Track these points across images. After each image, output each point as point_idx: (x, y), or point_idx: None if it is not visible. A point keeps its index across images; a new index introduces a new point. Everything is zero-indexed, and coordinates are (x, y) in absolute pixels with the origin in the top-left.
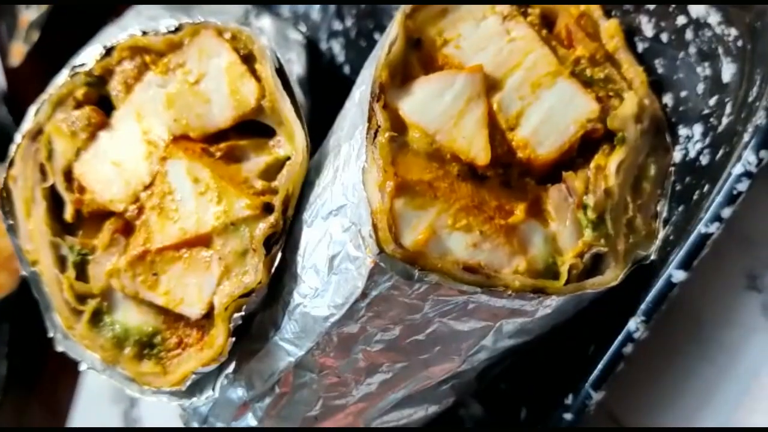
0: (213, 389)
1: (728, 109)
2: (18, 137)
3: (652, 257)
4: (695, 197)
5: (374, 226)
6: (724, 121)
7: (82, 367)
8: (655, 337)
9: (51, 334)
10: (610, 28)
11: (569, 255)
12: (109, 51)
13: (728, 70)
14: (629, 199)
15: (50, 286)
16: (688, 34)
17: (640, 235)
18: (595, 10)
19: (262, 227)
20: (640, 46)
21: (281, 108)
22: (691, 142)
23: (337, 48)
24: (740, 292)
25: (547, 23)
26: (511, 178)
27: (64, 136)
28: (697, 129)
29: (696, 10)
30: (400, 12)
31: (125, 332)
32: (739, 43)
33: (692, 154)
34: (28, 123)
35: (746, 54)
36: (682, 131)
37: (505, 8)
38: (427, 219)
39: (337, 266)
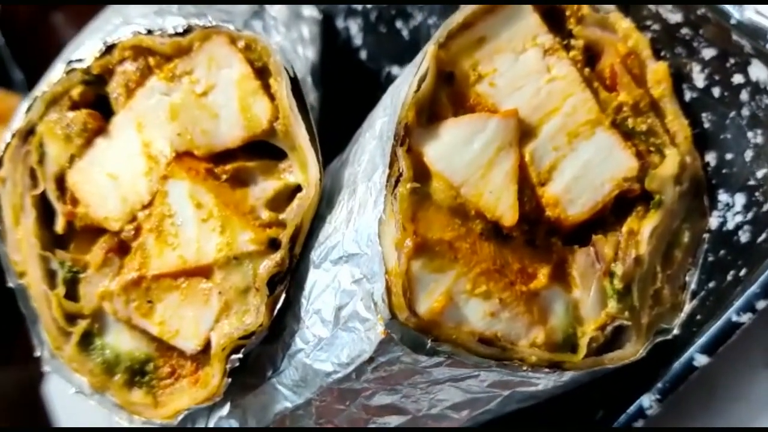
0: (206, 424)
1: None
2: (7, 135)
3: (675, 331)
4: (729, 278)
5: (388, 290)
6: None
7: (70, 390)
8: (666, 405)
9: (38, 353)
10: (658, 72)
11: (590, 327)
12: (109, 48)
13: None
14: (659, 268)
15: (38, 301)
16: (744, 95)
17: (665, 306)
18: (644, 50)
19: (267, 265)
20: (688, 95)
21: (295, 134)
22: (731, 211)
23: (355, 29)
24: (758, 370)
25: (591, 56)
26: (536, 237)
27: (58, 139)
28: (739, 199)
29: (756, 73)
30: (432, 42)
31: (116, 357)
32: None
33: (730, 225)
34: (19, 121)
35: None
36: (722, 197)
37: (546, 40)
38: (444, 283)
39: (344, 321)
